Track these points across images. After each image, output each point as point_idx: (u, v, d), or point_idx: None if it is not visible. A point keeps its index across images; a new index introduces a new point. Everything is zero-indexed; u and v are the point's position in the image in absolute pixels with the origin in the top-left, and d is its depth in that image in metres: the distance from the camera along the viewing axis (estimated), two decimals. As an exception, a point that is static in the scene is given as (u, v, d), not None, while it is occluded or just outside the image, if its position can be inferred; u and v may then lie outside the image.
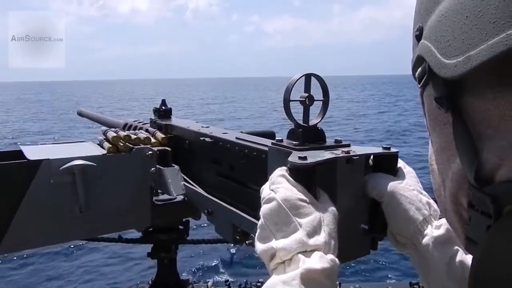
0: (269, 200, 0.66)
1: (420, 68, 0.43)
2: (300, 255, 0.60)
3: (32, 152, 1.28)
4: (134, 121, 1.86)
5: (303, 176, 0.70)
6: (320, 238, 0.63)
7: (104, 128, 1.52)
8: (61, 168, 1.22)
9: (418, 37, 0.43)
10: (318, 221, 0.64)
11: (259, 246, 0.65)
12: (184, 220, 1.78)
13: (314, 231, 0.63)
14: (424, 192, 0.80)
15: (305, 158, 0.72)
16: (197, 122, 1.61)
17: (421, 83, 0.43)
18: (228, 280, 2.53)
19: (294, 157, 0.73)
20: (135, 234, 1.84)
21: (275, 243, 0.62)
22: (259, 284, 2.43)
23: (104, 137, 1.41)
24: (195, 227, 2.08)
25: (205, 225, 1.15)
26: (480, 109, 0.37)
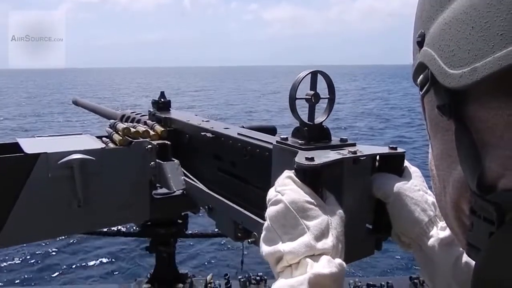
0: (276, 202, 0.65)
1: (422, 75, 0.42)
2: (308, 259, 0.59)
3: (29, 145, 1.26)
4: (132, 112, 1.82)
5: (310, 177, 0.68)
6: (328, 242, 0.62)
7: (112, 120, 1.51)
8: (59, 162, 1.21)
9: (420, 43, 0.43)
10: (326, 224, 0.63)
11: (265, 249, 0.64)
12: (182, 214, 1.78)
13: (322, 235, 0.62)
14: (430, 192, 0.78)
15: (312, 159, 0.70)
16: (196, 115, 1.59)
17: (423, 90, 0.43)
18: (227, 274, 2.52)
19: (301, 158, 0.71)
20: (134, 228, 1.83)
21: (282, 246, 0.61)
22: (258, 278, 2.43)
23: (113, 130, 1.39)
24: (193, 221, 2.07)
25: (204, 218, 1.14)
26: (484, 118, 0.37)
